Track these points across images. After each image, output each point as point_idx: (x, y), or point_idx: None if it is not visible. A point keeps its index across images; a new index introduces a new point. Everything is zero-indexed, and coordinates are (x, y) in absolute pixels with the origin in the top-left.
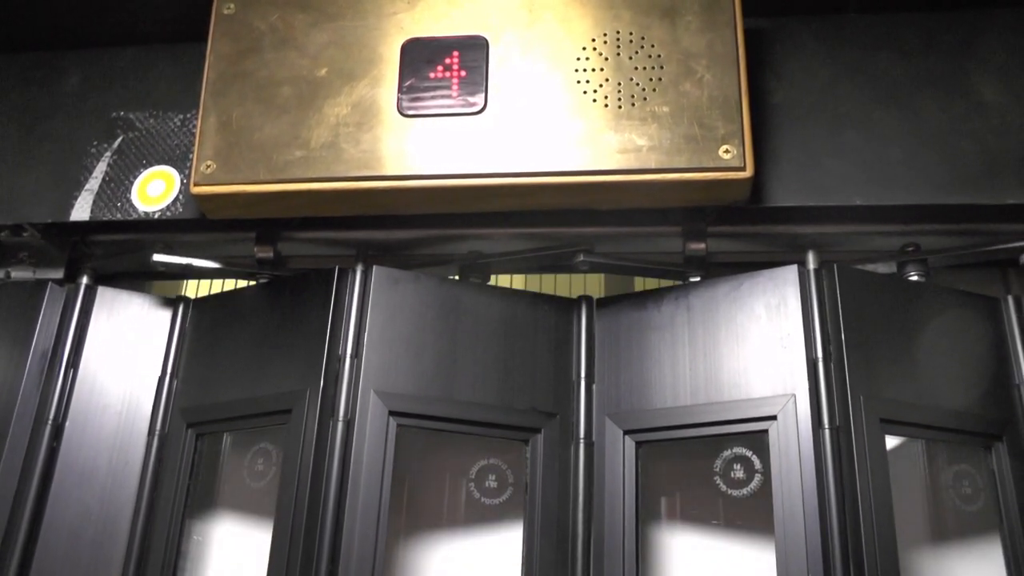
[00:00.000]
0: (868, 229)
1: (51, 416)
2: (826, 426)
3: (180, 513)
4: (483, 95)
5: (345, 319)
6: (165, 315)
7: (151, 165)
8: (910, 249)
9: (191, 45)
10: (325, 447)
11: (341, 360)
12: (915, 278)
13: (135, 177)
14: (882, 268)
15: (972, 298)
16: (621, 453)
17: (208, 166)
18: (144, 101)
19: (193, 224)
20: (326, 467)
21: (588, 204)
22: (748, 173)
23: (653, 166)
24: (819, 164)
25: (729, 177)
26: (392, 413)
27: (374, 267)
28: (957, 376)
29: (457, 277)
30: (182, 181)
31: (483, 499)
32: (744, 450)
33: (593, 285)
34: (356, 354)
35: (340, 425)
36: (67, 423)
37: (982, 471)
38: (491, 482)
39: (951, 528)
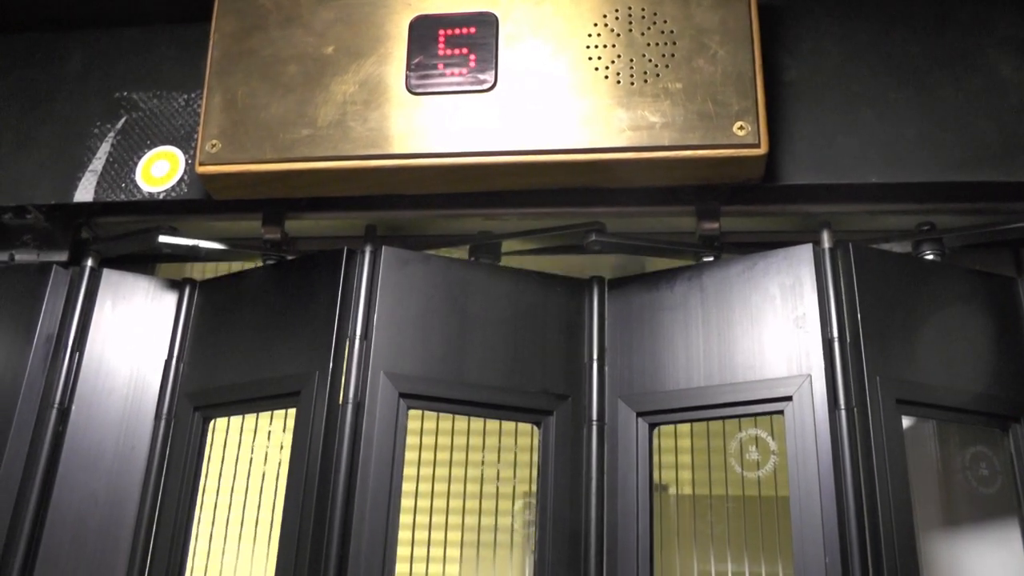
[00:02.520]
0: (883, 208)
1: (57, 400)
2: (842, 407)
3: (188, 497)
4: (493, 72)
5: (354, 300)
6: (171, 297)
7: (155, 145)
8: (925, 228)
9: (194, 25)
10: (334, 430)
11: (350, 342)
12: (930, 257)
13: (139, 158)
14: (897, 247)
15: (987, 278)
16: (634, 435)
17: (213, 145)
18: (147, 81)
19: (199, 205)
20: (336, 450)
21: (600, 182)
22: (763, 150)
23: (666, 143)
24: (833, 142)
25: (743, 154)
26: (402, 395)
27: (383, 248)
28: (974, 356)
29: (468, 258)
30: (187, 161)
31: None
32: (759, 431)
33: (605, 267)
34: (365, 336)
35: (349, 408)
36: (73, 407)
37: (999, 453)
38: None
39: (968, 510)
